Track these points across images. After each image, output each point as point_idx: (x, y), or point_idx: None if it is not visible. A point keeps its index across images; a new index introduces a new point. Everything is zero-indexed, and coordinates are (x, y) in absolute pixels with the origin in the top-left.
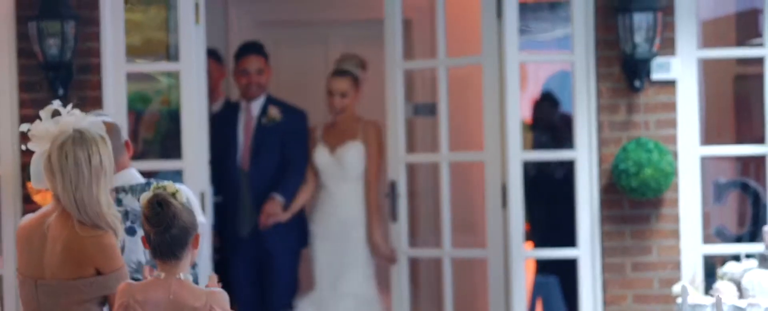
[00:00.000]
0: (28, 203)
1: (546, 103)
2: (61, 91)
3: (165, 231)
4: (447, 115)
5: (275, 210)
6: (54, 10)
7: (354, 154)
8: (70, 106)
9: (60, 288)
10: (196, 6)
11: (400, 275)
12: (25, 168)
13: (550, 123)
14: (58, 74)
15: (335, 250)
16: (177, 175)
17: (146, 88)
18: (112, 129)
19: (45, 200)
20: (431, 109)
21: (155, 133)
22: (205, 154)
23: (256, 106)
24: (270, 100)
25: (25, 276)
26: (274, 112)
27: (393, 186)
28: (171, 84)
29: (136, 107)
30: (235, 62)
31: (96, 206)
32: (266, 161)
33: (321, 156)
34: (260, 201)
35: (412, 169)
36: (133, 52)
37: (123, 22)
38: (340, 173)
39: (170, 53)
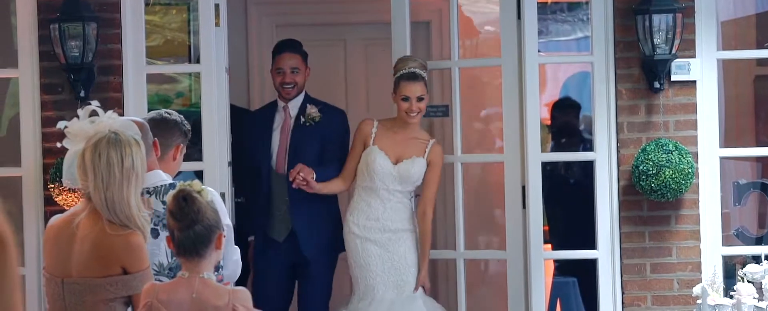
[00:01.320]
0: (49, 204)
1: (567, 106)
2: (82, 93)
3: (189, 227)
4: (460, 117)
5: (308, 175)
6: (75, 13)
7: (418, 170)
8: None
9: (86, 286)
10: (216, 8)
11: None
12: (47, 170)
13: (570, 125)
14: (80, 76)
15: (388, 256)
16: (197, 177)
17: (167, 89)
18: (142, 129)
19: (67, 201)
20: (444, 111)
21: None
22: (225, 155)
23: (294, 106)
24: (308, 99)
25: (51, 274)
26: (313, 111)
27: None
28: (192, 85)
29: (157, 109)
30: (272, 60)
31: (126, 207)
32: (306, 162)
33: (382, 163)
34: (301, 203)
35: None
36: (153, 54)
37: (144, 24)
38: (397, 185)
39: (191, 55)
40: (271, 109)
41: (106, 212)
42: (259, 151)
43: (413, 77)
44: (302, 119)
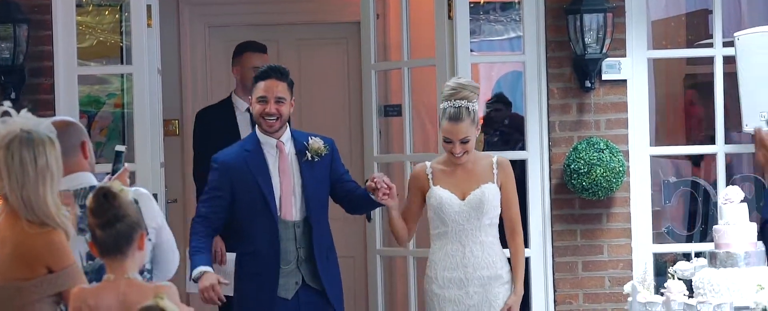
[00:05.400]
0: None
1: (498, 104)
2: (12, 95)
3: (110, 224)
4: (410, 116)
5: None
6: (6, 14)
7: (490, 195)
8: (24, 110)
9: (11, 290)
10: (148, 9)
11: (375, 274)
12: None
13: (501, 123)
14: (10, 78)
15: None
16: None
17: (99, 90)
18: (68, 128)
19: None
20: (398, 110)
21: (107, 135)
22: (158, 156)
23: (286, 141)
24: (296, 131)
25: None
26: (319, 145)
27: None
28: (124, 86)
29: (88, 110)
30: (252, 86)
31: (43, 206)
32: (323, 202)
33: (449, 201)
34: (322, 251)
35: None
36: (86, 56)
37: (75, 26)
38: (473, 220)
39: (123, 56)
40: (255, 148)
41: (24, 211)
42: (260, 198)
43: (456, 117)
44: (308, 155)
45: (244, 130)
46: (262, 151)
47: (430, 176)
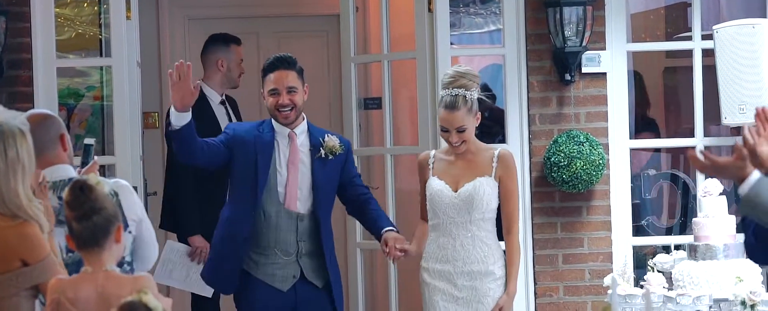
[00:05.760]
0: None
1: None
2: None
3: (87, 217)
4: (390, 109)
5: (404, 243)
6: None
7: (483, 191)
8: None
9: None
10: (127, 1)
11: (355, 267)
12: None
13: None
14: None
15: (464, 302)
16: (111, 171)
17: (78, 83)
18: (44, 121)
19: None
20: (378, 103)
21: (87, 128)
22: (137, 149)
23: (301, 134)
24: (312, 126)
25: None
26: (335, 143)
27: None
28: (103, 79)
29: (68, 103)
30: (262, 80)
31: (15, 198)
32: (331, 200)
33: (440, 193)
34: (329, 247)
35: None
36: (65, 48)
37: (54, 18)
38: (465, 214)
39: (102, 48)
40: (268, 131)
41: None
42: (252, 174)
43: (451, 105)
44: (322, 152)
45: (223, 121)
46: (275, 137)
47: (431, 165)
